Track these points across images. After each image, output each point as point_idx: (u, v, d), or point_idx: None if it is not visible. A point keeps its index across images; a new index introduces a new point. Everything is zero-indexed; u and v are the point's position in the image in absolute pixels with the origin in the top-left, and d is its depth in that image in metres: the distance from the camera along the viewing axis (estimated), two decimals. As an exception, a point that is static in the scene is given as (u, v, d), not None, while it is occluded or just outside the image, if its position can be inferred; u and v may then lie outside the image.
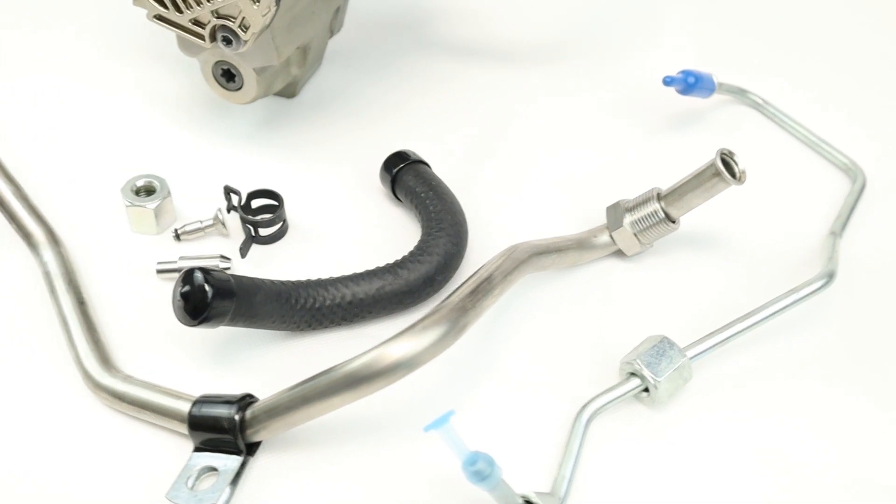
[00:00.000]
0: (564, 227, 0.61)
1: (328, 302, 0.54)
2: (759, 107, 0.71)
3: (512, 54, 0.76)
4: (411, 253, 0.56)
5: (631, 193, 0.60)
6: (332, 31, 0.72)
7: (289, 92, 0.71)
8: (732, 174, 0.55)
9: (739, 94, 0.71)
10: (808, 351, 0.55)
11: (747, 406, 0.52)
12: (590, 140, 0.70)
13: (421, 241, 0.57)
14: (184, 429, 0.49)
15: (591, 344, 0.55)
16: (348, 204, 0.64)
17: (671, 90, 0.69)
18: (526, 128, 0.70)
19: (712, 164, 0.55)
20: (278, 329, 0.54)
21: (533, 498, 0.45)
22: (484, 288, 0.48)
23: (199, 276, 0.49)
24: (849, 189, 0.65)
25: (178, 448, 0.50)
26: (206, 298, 0.48)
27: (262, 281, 0.52)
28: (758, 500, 0.48)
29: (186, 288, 0.49)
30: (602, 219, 0.61)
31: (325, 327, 0.55)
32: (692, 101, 0.71)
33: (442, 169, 0.64)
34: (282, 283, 0.53)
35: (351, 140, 0.68)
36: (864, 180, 0.65)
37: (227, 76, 0.64)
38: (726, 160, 0.56)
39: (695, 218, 0.61)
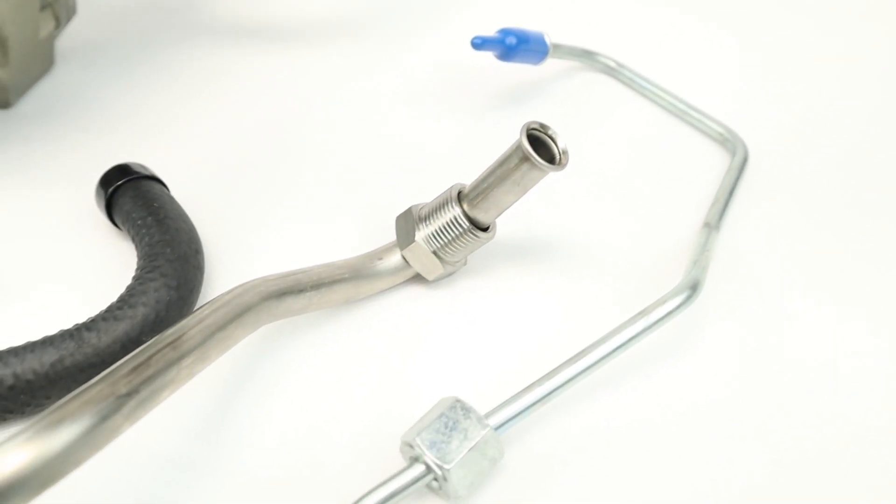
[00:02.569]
0: (355, 249, 0.45)
1: (-24, 389, 0.38)
2: (613, 72, 0.56)
3: (295, 34, 0.60)
4: (109, 307, 0.40)
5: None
6: (57, 20, 0.55)
7: (0, 101, 0.55)
8: (550, 156, 0.40)
9: (586, 57, 0.56)
10: (670, 394, 0.39)
11: (591, 483, 0.36)
12: (395, 132, 0.53)
13: (126, 290, 0.40)
14: None
15: (368, 416, 0.38)
16: (62, 243, 0.46)
17: (494, 64, 0.54)
18: (313, 124, 0.54)
19: (518, 147, 0.40)
20: None
21: None
22: (160, 358, 0.32)
23: None
24: (727, 165, 0.51)
25: None
26: None
27: None
28: None
29: None
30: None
31: (-18, 426, 0.39)
32: (525, 71, 0.56)
33: (194, 188, 0.47)
34: None
35: (78, 160, 0.51)
36: (746, 153, 0.50)
37: None
38: (537, 136, 0.40)
39: (519, 219, 0.45)
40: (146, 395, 0.31)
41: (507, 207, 0.41)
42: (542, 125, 0.40)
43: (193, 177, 0.49)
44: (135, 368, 0.31)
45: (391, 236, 0.45)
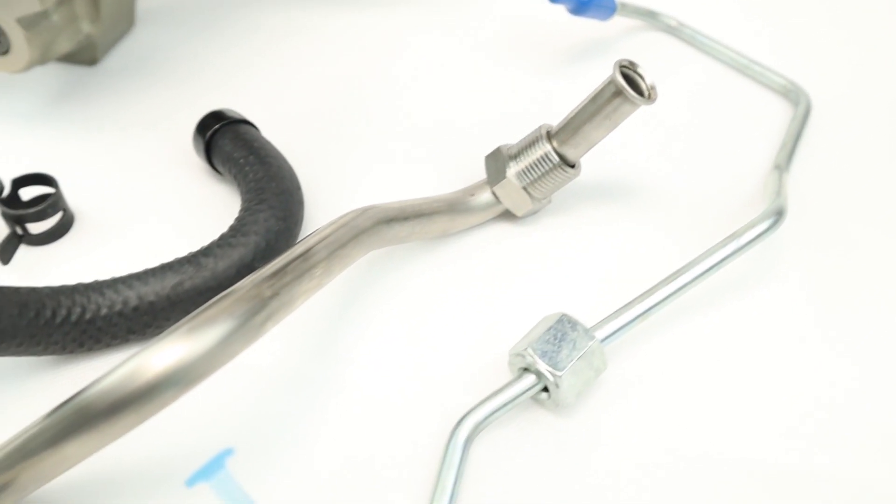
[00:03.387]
0: (439, 188, 0.48)
1: (104, 310, 0.39)
2: (674, 30, 0.58)
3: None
4: (222, 236, 0.42)
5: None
6: (140, -20, 0.58)
7: (88, 58, 0.57)
8: (639, 92, 0.43)
9: (649, 17, 0.58)
10: (760, 312, 0.41)
11: (685, 399, 0.38)
12: (469, 83, 0.55)
13: (236, 220, 0.43)
14: None
15: (473, 335, 0.41)
16: (158, 186, 0.49)
17: (563, 17, 0.56)
18: (389, 76, 0.56)
19: (611, 82, 0.41)
20: (33, 354, 0.38)
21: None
22: (295, 268, 0.34)
23: None
24: (791, 115, 0.53)
25: None
26: None
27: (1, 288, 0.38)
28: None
29: None
30: (484, 175, 0.47)
31: (107, 345, 0.40)
32: (591, 30, 0.58)
33: (282, 133, 0.50)
34: (33, 290, 0.38)
35: (166, 112, 0.53)
36: (809, 103, 0.52)
37: (-10, 36, 0.50)
38: (628, 74, 0.42)
39: (602, 163, 0.47)
40: (286, 298, 0.33)
41: (596, 143, 0.43)
42: (632, 63, 0.42)
43: (275, 123, 0.51)
44: (274, 274, 0.33)
45: (467, 178, 0.47)
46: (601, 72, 0.53)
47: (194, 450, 0.36)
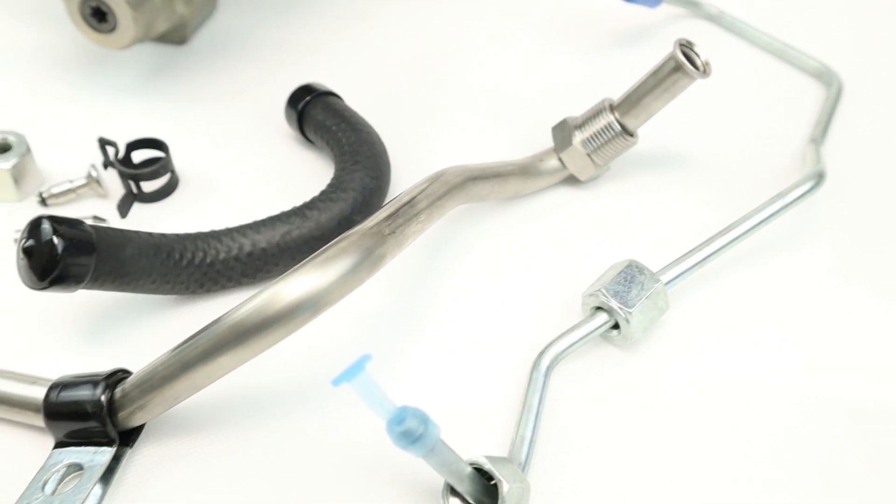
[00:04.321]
0: (504, 156, 0.52)
1: (223, 255, 0.44)
2: (716, 18, 0.63)
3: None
4: (323, 192, 0.47)
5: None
6: (224, -33, 0.63)
7: (178, 37, 0.62)
8: (695, 67, 0.47)
9: (692, 5, 0.63)
10: (801, 265, 0.47)
11: (734, 337, 0.43)
12: (526, 62, 0.61)
13: (334, 178, 0.48)
14: (40, 420, 0.39)
15: (547, 280, 0.46)
16: (251, 151, 0.54)
17: (613, 3, 0.61)
18: (454, 54, 0.61)
19: (671, 58, 0.46)
20: (162, 292, 0.44)
21: (484, 464, 0.35)
22: (405, 212, 0.39)
23: (47, 225, 0.38)
24: (824, 95, 0.58)
25: (39, 446, 0.39)
26: (54, 253, 0.38)
27: (136, 233, 0.42)
28: (753, 446, 0.39)
29: (31, 242, 0.38)
30: (548, 143, 0.52)
31: (223, 287, 0.45)
32: (639, 17, 0.63)
33: (360, 104, 0.54)
34: (163, 235, 0.43)
35: (252, 87, 0.58)
36: (840, 84, 0.57)
37: (98, 15, 0.54)
38: (686, 52, 0.47)
39: (654, 137, 0.52)
40: (399, 238, 0.38)
41: (654, 114, 0.48)
42: (689, 42, 0.47)
43: (353, 96, 0.55)
44: (390, 216, 0.38)
45: (530, 145, 0.52)
46: (649, 54, 0.58)
47: (313, 370, 0.41)
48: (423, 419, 0.33)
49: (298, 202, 0.48)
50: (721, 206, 0.50)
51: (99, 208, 0.50)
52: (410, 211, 0.39)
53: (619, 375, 0.42)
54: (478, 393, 0.41)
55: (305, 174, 0.53)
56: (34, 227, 0.39)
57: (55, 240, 0.38)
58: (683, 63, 0.46)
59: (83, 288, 0.40)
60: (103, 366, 0.41)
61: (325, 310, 0.36)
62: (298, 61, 0.60)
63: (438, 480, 0.37)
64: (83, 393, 0.37)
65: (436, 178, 0.43)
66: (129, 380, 0.37)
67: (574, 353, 0.42)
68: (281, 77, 0.59)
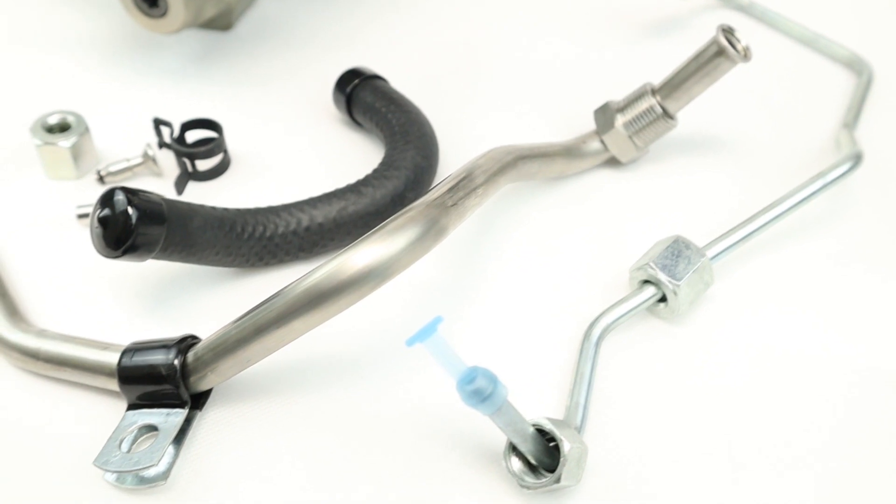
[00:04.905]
0: (545, 138, 0.53)
1: (281, 229, 0.46)
2: (746, 8, 0.64)
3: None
4: (375, 170, 0.48)
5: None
6: (267, -45, 0.64)
7: (223, 23, 0.63)
8: (735, 52, 0.49)
9: (723, -5, 0.65)
10: (839, 242, 0.48)
11: (777, 310, 0.45)
12: (561, 48, 0.62)
13: (386, 157, 0.49)
14: (114, 384, 0.40)
15: (593, 257, 0.48)
16: (298, 133, 0.56)
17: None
18: (492, 39, 0.63)
19: (714, 42, 0.48)
20: (223, 264, 0.45)
21: (546, 425, 0.37)
22: (464, 186, 0.40)
23: (121, 196, 0.40)
24: (855, 83, 0.59)
25: (111, 409, 0.41)
26: (129, 223, 0.39)
27: (201, 206, 0.44)
28: (798, 414, 0.41)
29: (106, 211, 0.40)
30: (586, 127, 0.53)
31: (280, 260, 0.46)
32: (671, 6, 0.65)
33: (402, 88, 0.55)
34: (225, 209, 0.45)
35: (297, 71, 0.60)
36: (871, 73, 0.59)
37: (149, 1, 0.56)
38: (727, 37, 0.49)
39: (689, 121, 0.54)
40: (460, 210, 0.40)
41: (694, 97, 0.50)
42: (730, 27, 0.48)
43: (396, 79, 0.57)
44: (451, 189, 0.40)
45: (567, 129, 0.54)
46: (681, 42, 0.61)
47: (375, 337, 0.43)
48: (493, 379, 0.34)
49: (345, 181, 0.49)
50: (755, 188, 0.51)
51: (154, 186, 0.52)
52: (469, 185, 0.41)
53: (665, 346, 0.44)
54: (530, 361, 0.43)
55: (352, 154, 0.54)
56: (108, 197, 0.40)
57: (130, 210, 0.40)
58: (726, 47, 0.47)
59: (152, 258, 0.42)
60: (166, 333, 0.42)
61: (394, 277, 0.37)
62: (340, 47, 0.62)
63: (497, 443, 0.39)
64: (157, 357, 0.39)
65: (490, 156, 0.44)
66: (202, 343, 0.39)
67: (622, 324, 0.44)
68: (324, 62, 0.60)
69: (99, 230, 0.40)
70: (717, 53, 0.48)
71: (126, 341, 0.42)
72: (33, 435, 0.40)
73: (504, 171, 0.44)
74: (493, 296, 0.46)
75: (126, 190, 0.40)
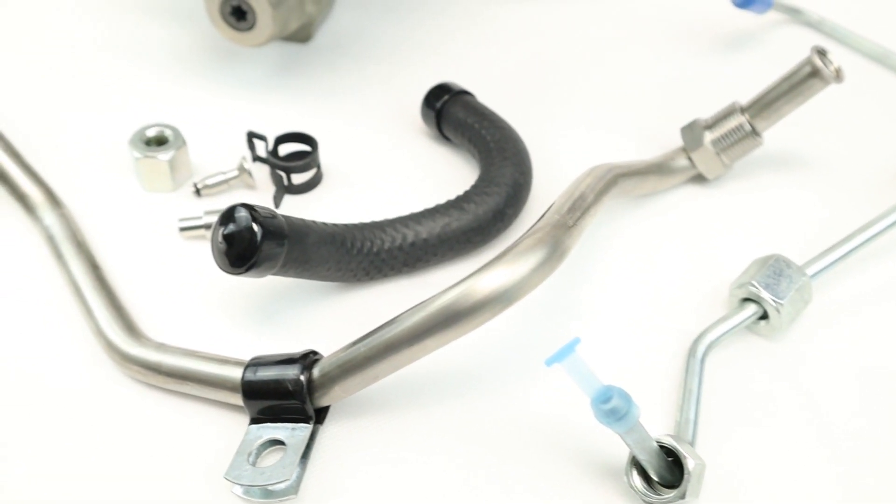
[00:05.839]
0: (624, 154, 0.54)
1: (387, 244, 0.46)
2: (816, 24, 0.65)
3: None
4: (475, 186, 0.49)
5: (687, 117, 0.54)
6: (343, -33, 0.65)
7: (302, 35, 0.64)
8: (829, 73, 0.50)
9: (794, 12, 0.65)
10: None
11: (874, 327, 0.46)
12: (636, 63, 0.63)
13: (483, 173, 0.50)
14: (235, 398, 0.41)
15: (685, 272, 0.49)
16: (386, 146, 0.57)
17: (715, 8, 0.64)
18: (568, 54, 0.64)
19: (808, 63, 0.49)
20: (332, 279, 0.46)
21: (669, 441, 0.38)
22: (580, 205, 0.41)
23: (244, 213, 0.41)
24: (928, 101, 0.60)
25: (228, 422, 0.42)
26: (254, 240, 0.40)
27: (314, 222, 0.45)
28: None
29: (230, 228, 0.41)
30: (668, 143, 0.54)
31: (384, 275, 0.47)
32: (739, 21, 0.65)
33: (486, 103, 0.56)
34: (334, 225, 0.46)
35: (378, 84, 0.61)
36: (945, 90, 0.60)
37: (237, 14, 0.56)
38: (819, 59, 0.50)
39: (768, 139, 0.55)
40: (578, 229, 0.41)
41: (784, 117, 0.51)
42: (823, 49, 0.49)
43: (477, 94, 0.58)
44: (570, 210, 0.41)
45: (645, 145, 0.55)
46: (752, 58, 0.62)
47: (487, 353, 0.44)
48: (628, 399, 0.35)
49: (435, 196, 0.51)
50: (839, 204, 0.53)
51: (249, 199, 0.53)
52: (583, 204, 0.42)
53: (765, 362, 0.45)
54: (632, 375, 0.44)
55: (441, 169, 0.55)
56: (231, 214, 0.41)
57: (255, 227, 0.40)
58: (821, 68, 0.48)
59: (271, 274, 0.43)
60: (270, 347, 0.43)
61: (523, 297, 0.38)
62: (419, 60, 0.63)
63: (611, 458, 0.40)
64: (283, 372, 0.40)
65: (592, 174, 0.45)
66: (328, 359, 0.40)
67: (723, 342, 0.45)
68: (405, 75, 0.61)
69: (223, 247, 0.41)
70: (811, 74, 0.49)
71: (232, 355, 0.43)
72: (158, 446, 0.41)
73: (607, 189, 0.45)
74: (592, 310, 0.47)
75: (248, 207, 0.41)
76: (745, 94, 0.54)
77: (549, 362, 0.35)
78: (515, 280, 0.37)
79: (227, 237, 0.41)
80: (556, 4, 0.67)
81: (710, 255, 0.50)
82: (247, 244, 0.40)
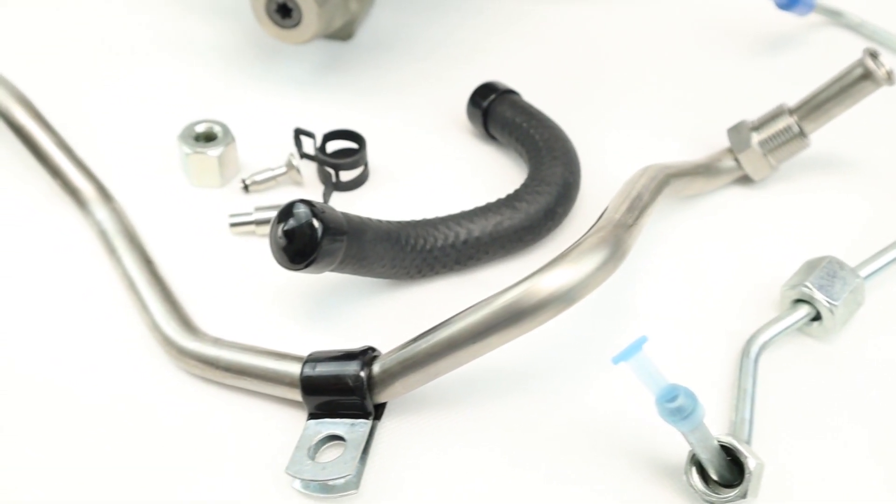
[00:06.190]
0: (672, 155, 0.54)
1: (440, 242, 0.47)
2: (857, 27, 0.65)
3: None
4: (525, 185, 0.49)
5: (728, 118, 0.54)
6: (383, -36, 0.65)
7: (344, 33, 0.64)
8: (881, 75, 0.50)
9: (835, 14, 0.65)
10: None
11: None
12: (680, 65, 0.63)
13: (533, 172, 0.50)
14: (293, 394, 0.41)
15: (733, 273, 0.49)
16: (431, 144, 0.57)
17: (761, 11, 0.64)
18: (611, 56, 0.63)
19: (860, 65, 0.49)
20: (386, 276, 0.46)
21: (729, 440, 0.38)
22: (637, 204, 0.42)
23: (304, 209, 0.41)
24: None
25: (284, 417, 0.42)
26: (315, 236, 0.41)
27: (369, 219, 0.45)
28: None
29: (290, 224, 0.41)
30: (710, 144, 0.54)
31: (436, 273, 0.47)
32: (782, 24, 0.65)
33: (530, 102, 0.57)
34: (388, 222, 0.46)
35: (421, 82, 0.61)
36: None
37: (283, 11, 0.56)
38: (871, 61, 0.50)
39: (814, 141, 0.55)
40: (637, 229, 0.41)
41: (832, 119, 0.51)
42: (875, 51, 0.50)
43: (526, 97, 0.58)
44: (628, 209, 0.41)
45: (699, 148, 0.55)
46: (792, 60, 0.62)
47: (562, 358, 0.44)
48: (693, 398, 0.36)
49: (481, 195, 0.51)
50: (886, 206, 0.52)
51: (295, 196, 0.52)
52: (640, 203, 0.42)
53: (818, 363, 0.45)
54: (684, 375, 0.43)
55: (486, 168, 0.55)
56: (290, 210, 0.41)
57: (315, 223, 0.41)
58: (874, 70, 0.48)
59: (328, 271, 0.43)
60: (323, 343, 0.44)
61: (586, 296, 0.39)
62: (461, 59, 0.63)
63: (671, 456, 0.40)
64: (344, 368, 0.40)
65: (648, 174, 0.46)
66: (389, 356, 0.40)
67: (775, 342, 0.45)
68: (448, 73, 0.61)
69: (283, 242, 0.41)
70: (863, 77, 0.49)
71: (284, 349, 0.43)
72: (215, 442, 0.41)
73: (661, 189, 0.45)
74: (642, 310, 0.47)
75: (307, 202, 0.41)
76: (785, 96, 0.54)
77: (616, 360, 0.35)
78: (579, 279, 0.37)
79: (287, 233, 0.41)
80: (601, 5, 0.67)
81: (757, 256, 0.50)
82: (307, 240, 0.41)
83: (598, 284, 0.38)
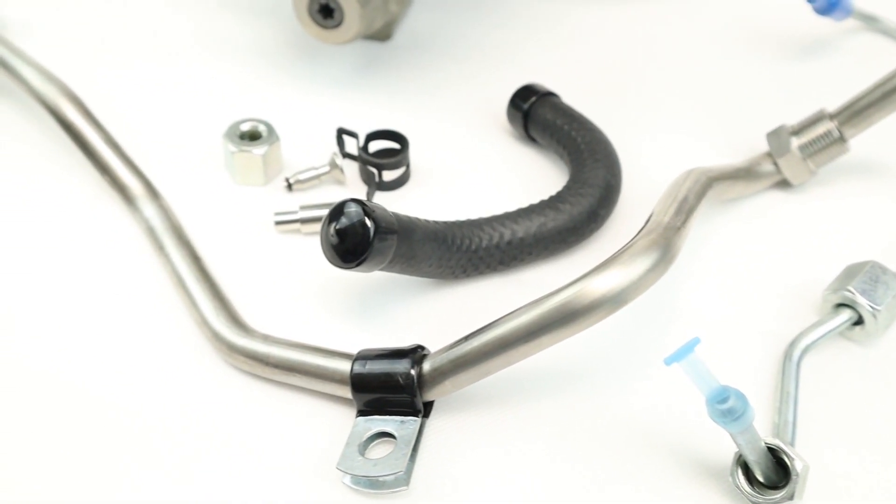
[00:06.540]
0: (710, 158, 0.54)
1: (485, 242, 0.47)
2: (893, 33, 0.65)
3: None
4: (567, 186, 0.50)
5: (765, 122, 0.55)
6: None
7: (383, 34, 0.65)
8: (921, 83, 0.50)
9: (870, 20, 0.66)
10: None
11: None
12: (719, 69, 0.63)
13: (575, 174, 0.51)
14: (342, 391, 0.42)
15: (773, 277, 0.49)
16: (471, 146, 0.57)
17: (798, 16, 0.64)
18: (649, 59, 0.64)
19: (902, 71, 0.50)
20: (432, 276, 0.47)
21: (775, 442, 0.39)
22: (684, 209, 0.42)
23: (356, 208, 0.42)
24: None
25: (333, 413, 0.43)
26: (367, 235, 0.41)
27: (417, 218, 0.45)
28: None
29: (343, 223, 0.42)
30: (747, 148, 0.55)
31: (480, 273, 0.48)
32: (819, 28, 0.66)
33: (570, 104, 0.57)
34: (435, 222, 0.47)
35: (460, 84, 0.61)
36: None
37: (325, 12, 0.57)
38: (914, 67, 0.51)
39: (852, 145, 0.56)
40: (685, 231, 0.41)
41: (874, 124, 0.52)
42: (917, 57, 0.50)
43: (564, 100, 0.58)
44: (676, 212, 0.42)
45: (735, 152, 0.55)
46: (827, 65, 0.62)
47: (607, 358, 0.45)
48: (744, 399, 0.36)
49: (522, 197, 0.51)
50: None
51: (339, 195, 0.53)
52: (686, 206, 0.42)
53: (860, 367, 0.45)
54: (727, 377, 0.44)
55: (527, 170, 0.56)
56: (342, 209, 0.42)
57: (367, 222, 0.41)
58: (918, 75, 0.49)
59: (378, 270, 0.43)
60: (370, 342, 0.44)
61: (637, 297, 0.39)
62: (500, 60, 0.63)
63: (717, 456, 0.40)
64: (394, 366, 0.41)
65: (692, 177, 0.46)
66: (439, 354, 0.41)
67: (817, 346, 0.45)
68: (487, 75, 0.62)
69: (335, 241, 0.42)
70: (906, 83, 0.50)
71: (332, 347, 0.44)
72: (266, 437, 0.42)
73: (704, 192, 0.46)
74: (685, 312, 0.47)
75: (359, 201, 0.42)
76: (820, 101, 0.54)
77: (669, 361, 0.35)
78: (630, 281, 0.38)
79: (339, 232, 0.42)
80: (639, 8, 0.68)
81: (796, 260, 0.50)
82: (359, 239, 0.41)
83: (649, 286, 0.39)
